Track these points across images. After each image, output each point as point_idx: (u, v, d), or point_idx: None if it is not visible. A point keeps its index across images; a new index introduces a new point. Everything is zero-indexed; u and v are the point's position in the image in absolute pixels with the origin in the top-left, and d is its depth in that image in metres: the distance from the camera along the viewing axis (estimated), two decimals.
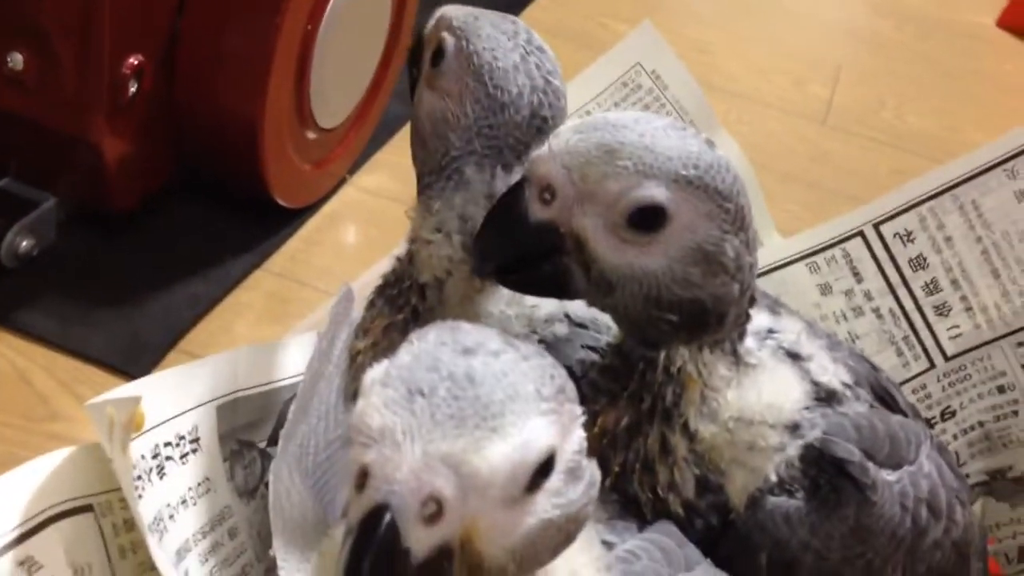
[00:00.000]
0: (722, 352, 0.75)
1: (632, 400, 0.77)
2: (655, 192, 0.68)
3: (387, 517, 0.50)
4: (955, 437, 1.13)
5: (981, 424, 1.13)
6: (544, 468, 0.54)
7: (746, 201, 0.72)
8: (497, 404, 0.52)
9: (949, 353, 1.10)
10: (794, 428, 0.77)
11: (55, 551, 0.64)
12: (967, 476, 1.14)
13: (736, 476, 0.76)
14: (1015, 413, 1.11)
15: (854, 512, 0.76)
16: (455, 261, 0.83)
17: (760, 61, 2.23)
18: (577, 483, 0.57)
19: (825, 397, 0.80)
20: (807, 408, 0.78)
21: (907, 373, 1.11)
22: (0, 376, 1.24)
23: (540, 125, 0.81)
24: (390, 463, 0.50)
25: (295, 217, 1.54)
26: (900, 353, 1.11)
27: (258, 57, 1.31)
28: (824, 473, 0.76)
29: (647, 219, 0.69)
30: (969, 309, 1.09)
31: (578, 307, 0.87)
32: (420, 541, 0.51)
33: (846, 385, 0.82)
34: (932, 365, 1.11)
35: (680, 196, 0.69)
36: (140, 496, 0.68)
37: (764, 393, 0.76)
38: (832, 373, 0.82)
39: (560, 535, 0.57)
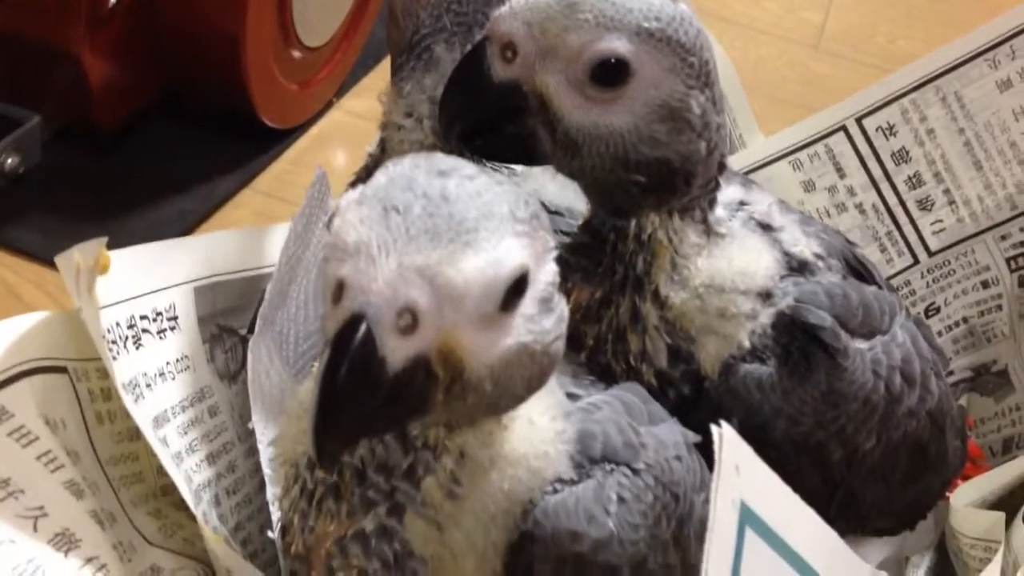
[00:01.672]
0: (692, 220, 0.75)
1: (605, 272, 0.77)
2: (617, 44, 0.68)
3: (363, 326, 0.50)
4: (940, 334, 1.14)
5: (966, 320, 1.13)
6: (517, 287, 0.54)
7: (711, 56, 0.72)
8: (471, 221, 0.53)
9: (933, 248, 1.10)
10: (766, 296, 0.77)
11: (26, 403, 0.64)
12: (951, 373, 1.15)
13: (708, 343, 0.76)
14: (999, 308, 1.11)
15: (825, 377, 0.76)
16: (426, 146, 0.83)
17: None
18: (550, 314, 0.57)
19: (797, 267, 0.80)
20: (779, 277, 0.78)
21: (891, 269, 1.11)
22: None
23: None
24: (366, 275, 0.51)
25: (282, 138, 1.54)
26: (884, 249, 1.11)
27: None
28: (796, 340, 0.76)
29: (610, 73, 0.68)
30: (952, 203, 1.09)
31: (554, 195, 0.87)
32: (396, 351, 0.51)
33: (818, 256, 0.82)
34: (916, 261, 1.11)
35: (643, 49, 0.68)
36: (115, 358, 0.69)
37: (735, 261, 0.76)
38: (804, 244, 0.81)
39: (534, 366, 0.57)
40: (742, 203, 0.81)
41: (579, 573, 0.62)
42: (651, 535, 0.64)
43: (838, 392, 0.76)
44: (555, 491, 0.62)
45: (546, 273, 0.57)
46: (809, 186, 1.11)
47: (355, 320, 0.51)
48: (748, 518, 0.57)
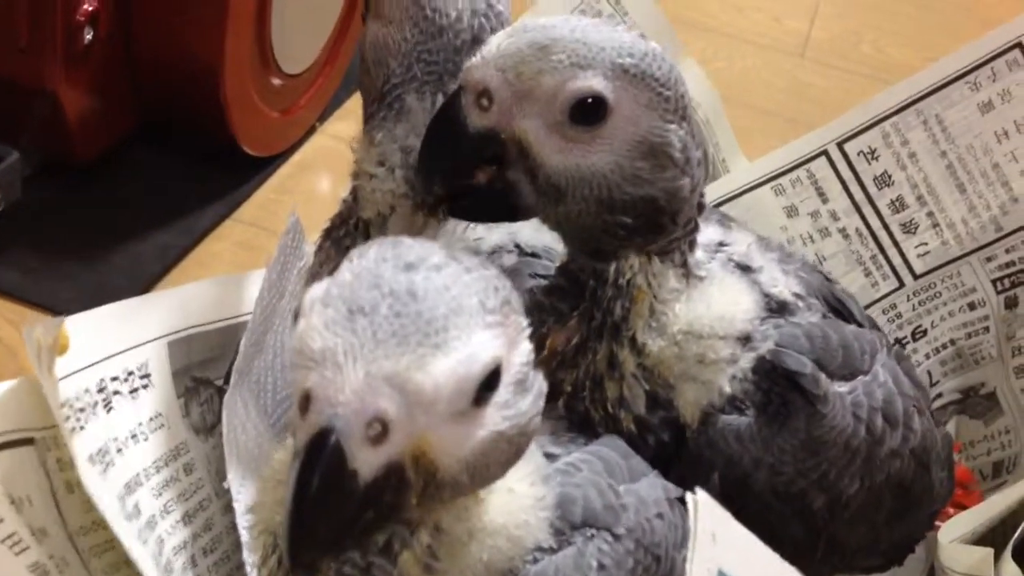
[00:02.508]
0: (672, 263, 0.74)
1: (582, 317, 0.76)
2: (593, 82, 0.67)
3: (332, 440, 0.49)
4: (927, 356, 1.13)
5: (953, 342, 1.13)
6: (490, 381, 0.53)
7: (685, 90, 0.71)
8: (440, 319, 0.51)
9: (918, 271, 1.10)
10: (746, 340, 0.76)
11: None
12: (939, 396, 1.14)
13: (686, 391, 0.75)
14: (986, 329, 1.11)
15: (805, 424, 0.75)
16: (398, 196, 0.83)
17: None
18: (526, 394, 0.56)
19: (777, 308, 0.79)
20: (759, 320, 0.77)
21: (876, 293, 1.11)
22: None
23: None
24: (332, 385, 0.49)
25: (265, 166, 1.54)
26: (868, 273, 1.11)
27: (214, 1, 1.30)
28: (776, 386, 0.75)
29: (588, 112, 0.67)
30: (936, 226, 1.08)
31: (529, 237, 0.86)
32: (367, 462, 0.50)
33: (797, 296, 0.81)
34: (901, 284, 1.11)
35: (619, 85, 0.68)
36: (83, 428, 0.68)
37: (714, 306, 0.75)
38: (783, 284, 0.81)
39: (511, 448, 0.56)
40: (721, 244, 0.81)
41: None
42: None
43: (818, 439, 0.75)
44: (535, 560, 0.61)
45: (520, 355, 0.56)
46: (792, 211, 1.11)
47: (324, 434, 0.49)
48: None
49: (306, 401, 0.50)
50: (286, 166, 1.56)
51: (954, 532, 0.89)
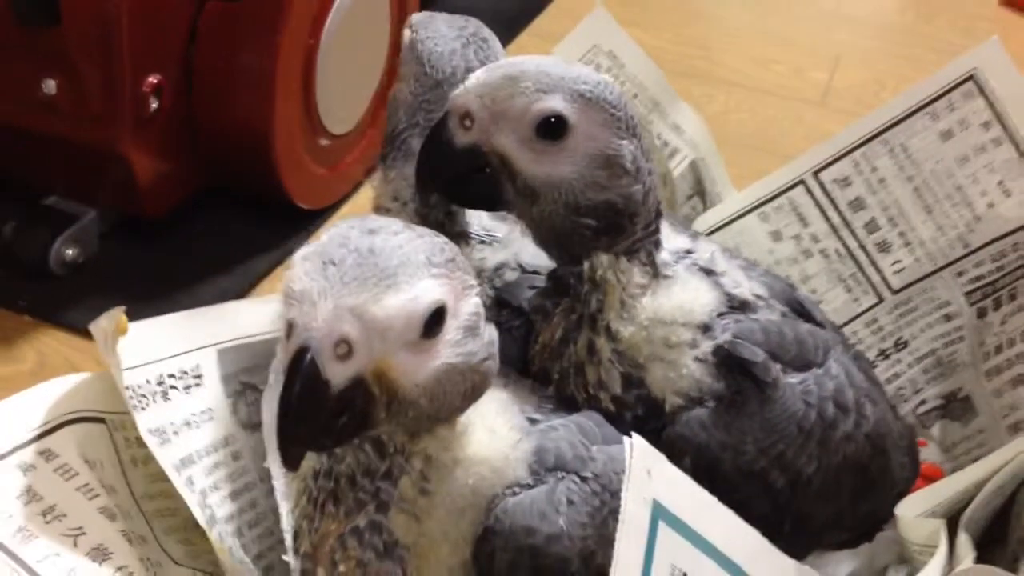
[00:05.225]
0: (638, 262, 0.87)
1: (564, 313, 0.89)
2: (555, 104, 0.81)
3: (308, 356, 0.63)
4: (910, 366, 1.21)
5: (933, 352, 1.20)
6: (436, 317, 0.67)
7: (634, 112, 0.85)
8: (392, 268, 0.66)
9: (895, 286, 1.19)
10: (705, 329, 0.87)
11: (69, 445, 0.78)
12: (923, 402, 1.23)
13: (655, 369, 0.87)
14: (961, 339, 1.18)
15: (758, 408, 0.86)
16: None
17: (758, 52, 2.31)
18: (476, 339, 0.71)
19: (738, 306, 0.90)
20: (718, 314, 0.88)
21: (858, 308, 1.20)
22: (54, 369, 1.40)
23: None
24: (308, 316, 0.64)
25: (315, 217, 1.69)
26: (850, 290, 1.20)
27: (264, 72, 1.47)
28: (731, 373, 0.87)
29: (552, 129, 0.81)
30: (908, 244, 1.17)
31: (531, 257, 0.99)
32: (336, 374, 0.65)
33: (759, 296, 0.92)
34: (881, 299, 1.20)
35: (577, 107, 0.82)
36: (144, 408, 0.82)
37: (675, 298, 0.87)
38: (746, 286, 0.92)
39: (466, 382, 0.71)
40: (688, 251, 0.92)
41: (534, 561, 0.74)
42: (599, 534, 0.75)
43: (770, 421, 0.86)
44: (514, 493, 0.75)
45: (469, 306, 0.71)
46: (777, 236, 1.21)
47: (302, 351, 0.64)
48: (661, 514, 0.68)
49: (290, 329, 0.65)
50: (334, 218, 1.71)
51: (915, 508, 0.98)
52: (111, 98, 1.39)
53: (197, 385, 0.91)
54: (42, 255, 1.47)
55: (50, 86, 1.38)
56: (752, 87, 2.19)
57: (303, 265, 0.66)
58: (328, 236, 0.68)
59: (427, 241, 0.69)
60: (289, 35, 1.46)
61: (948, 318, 1.19)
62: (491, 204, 0.87)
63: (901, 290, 1.19)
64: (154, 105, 1.43)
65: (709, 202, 1.33)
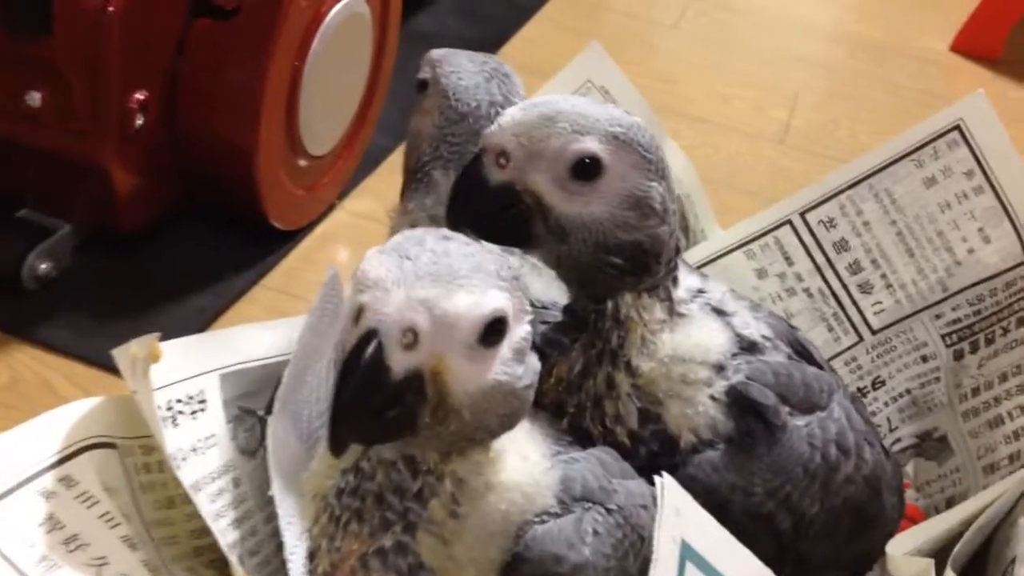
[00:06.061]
0: (659, 298, 0.89)
1: (584, 348, 0.90)
2: (590, 145, 0.83)
3: (376, 339, 0.65)
4: (886, 404, 1.25)
5: (908, 392, 1.23)
6: (496, 326, 0.69)
7: (663, 155, 0.87)
8: (464, 271, 0.68)
9: (875, 327, 1.22)
10: (720, 369, 0.89)
11: (88, 472, 0.77)
12: (899, 440, 1.26)
13: (672, 406, 0.88)
14: (937, 379, 1.22)
15: (767, 450, 0.88)
16: None
17: (722, 89, 2.37)
18: (522, 364, 0.72)
19: (748, 347, 0.92)
20: (731, 355, 0.91)
21: (838, 347, 1.23)
22: (27, 385, 1.38)
23: None
24: (380, 301, 0.66)
25: (290, 238, 1.68)
26: (831, 328, 1.23)
27: (250, 92, 1.46)
28: (743, 415, 0.88)
29: (586, 169, 0.83)
30: (889, 286, 1.20)
31: (541, 292, 1.01)
32: (399, 362, 0.66)
33: (766, 338, 0.94)
34: (860, 339, 1.23)
35: (611, 148, 0.83)
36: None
37: (693, 337, 0.90)
38: (754, 327, 0.94)
39: (508, 405, 0.72)
40: (700, 291, 0.94)
41: None
42: (620, 566, 0.76)
43: (778, 463, 0.88)
44: (543, 521, 0.76)
45: (522, 329, 0.72)
46: (762, 273, 1.24)
47: (370, 334, 0.65)
48: (688, 554, 0.70)
49: (359, 313, 0.67)
50: (309, 238, 1.71)
51: (903, 547, 1.00)
52: (98, 113, 1.37)
53: (202, 411, 0.90)
54: (15, 269, 1.44)
55: (34, 98, 1.36)
56: (716, 123, 2.24)
57: (379, 257, 0.68)
58: (403, 236, 0.70)
59: (496, 256, 0.72)
60: (277, 56, 1.46)
61: (925, 359, 1.22)
62: (520, 241, 0.88)
63: (880, 331, 1.22)
64: (139, 121, 1.41)
65: (692, 238, 1.35)
